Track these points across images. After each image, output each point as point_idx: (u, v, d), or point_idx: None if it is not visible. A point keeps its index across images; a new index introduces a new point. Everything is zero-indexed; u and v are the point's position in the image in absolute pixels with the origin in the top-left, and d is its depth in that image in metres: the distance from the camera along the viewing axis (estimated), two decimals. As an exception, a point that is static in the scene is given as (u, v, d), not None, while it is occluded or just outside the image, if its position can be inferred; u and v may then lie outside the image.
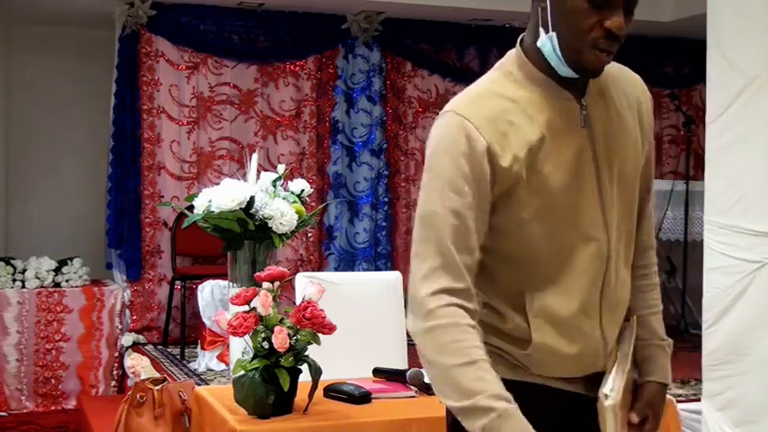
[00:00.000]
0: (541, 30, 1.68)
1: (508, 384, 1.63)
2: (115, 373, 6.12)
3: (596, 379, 1.79)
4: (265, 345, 2.58)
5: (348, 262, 6.88)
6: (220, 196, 3.39)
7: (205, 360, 5.49)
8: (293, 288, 3.51)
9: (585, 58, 1.65)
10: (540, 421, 1.62)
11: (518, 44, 1.76)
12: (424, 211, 1.67)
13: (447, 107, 1.70)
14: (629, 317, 1.87)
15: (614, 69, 1.81)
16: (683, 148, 7.10)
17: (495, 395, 1.57)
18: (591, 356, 1.77)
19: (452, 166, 1.64)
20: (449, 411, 1.71)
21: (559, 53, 1.66)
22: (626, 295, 1.83)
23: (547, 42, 1.67)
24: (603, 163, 1.73)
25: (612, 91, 1.78)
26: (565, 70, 1.68)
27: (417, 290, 1.65)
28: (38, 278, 6.03)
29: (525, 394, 1.67)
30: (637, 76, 1.87)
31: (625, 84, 1.82)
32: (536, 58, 1.71)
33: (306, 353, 2.63)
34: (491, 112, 1.67)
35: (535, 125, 1.68)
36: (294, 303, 2.98)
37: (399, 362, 3.40)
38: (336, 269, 6.75)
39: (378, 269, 6.74)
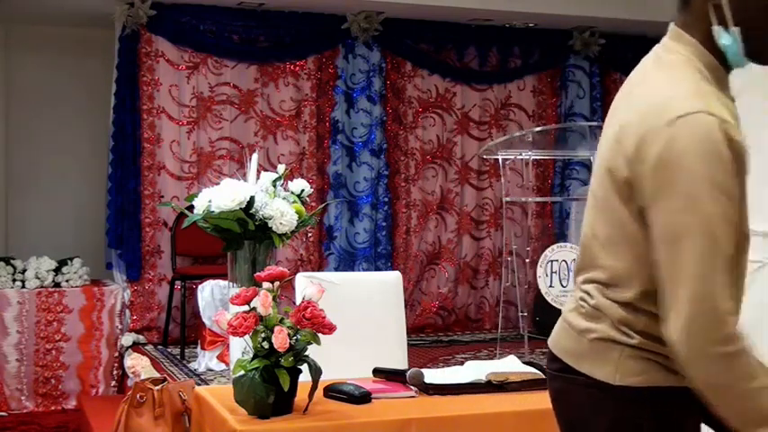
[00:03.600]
0: (718, 28, 1.66)
1: (674, 390, 1.65)
2: (115, 373, 6.12)
3: None
4: (265, 345, 2.58)
5: (348, 262, 6.89)
6: (220, 196, 3.39)
7: (205, 360, 5.49)
8: (293, 288, 3.51)
9: None
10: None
11: (689, 39, 1.73)
12: (695, 220, 1.57)
13: (690, 108, 1.59)
14: None
15: None
16: (683, 148, 7.10)
17: None
18: None
19: (723, 173, 1.58)
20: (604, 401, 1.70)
21: (741, 49, 1.65)
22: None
23: (729, 38, 1.65)
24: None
25: None
26: (742, 63, 1.68)
27: (710, 308, 1.58)
28: (38, 278, 6.03)
29: (689, 399, 1.67)
30: None
31: None
32: (716, 55, 1.70)
33: (306, 353, 2.63)
34: (726, 112, 1.63)
35: (737, 123, 1.67)
36: (294, 303, 2.98)
37: (399, 362, 3.40)
38: (336, 269, 6.75)
39: (378, 269, 6.74)
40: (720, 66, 1.70)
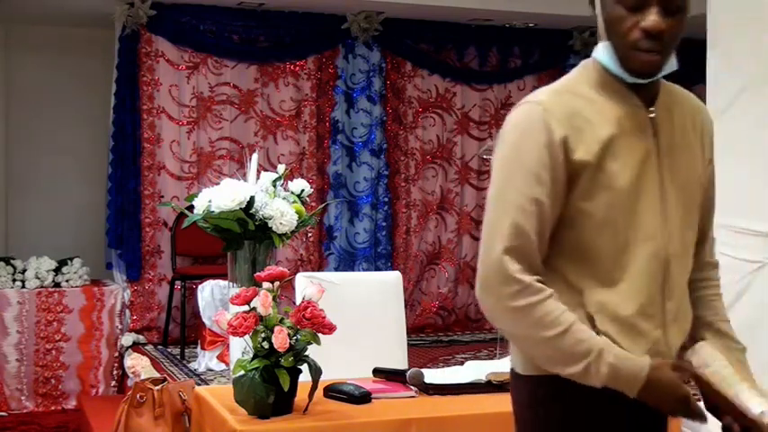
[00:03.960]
0: (600, 41, 1.80)
1: (566, 382, 1.71)
2: (115, 373, 6.12)
3: None
4: (265, 345, 2.58)
5: (348, 262, 6.89)
6: (220, 196, 3.39)
7: (205, 360, 5.49)
8: (293, 288, 3.51)
9: (631, 61, 1.74)
10: (600, 421, 1.74)
11: (595, 50, 1.83)
12: (502, 194, 1.75)
13: (528, 98, 1.79)
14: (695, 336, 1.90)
15: (682, 94, 1.90)
16: (683, 148, 7.10)
17: (605, 349, 1.68)
18: (647, 357, 1.74)
19: (532, 154, 1.73)
20: (520, 391, 1.82)
21: (615, 60, 1.76)
22: (689, 307, 1.87)
23: (602, 51, 1.78)
24: (666, 173, 1.80)
25: (679, 110, 1.86)
26: (626, 76, 1.77)
27: (498, 270, 1.72)
28: (38, 278, 6.03)
29: (589, 394, 1.72)
30: (701, 103, 1.94)
31: (691, 108, 1.89)
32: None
33: (306, 353, 2.63)
34: (569, 107, 1.75)
35: (607, 124, 1.76)
36: (294, 303, 2.98)
37: (399, 362, 3.40)
38: (336, 269, 6.75)
39: (378, 269, 6.74)
40: (613, 76, 1.79)
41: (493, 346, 6.28)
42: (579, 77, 1.82)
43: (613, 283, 1.75)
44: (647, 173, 1.77)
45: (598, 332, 1.73)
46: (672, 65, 1.79)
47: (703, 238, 1.93)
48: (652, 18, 1.70)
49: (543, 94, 1.79)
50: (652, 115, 1.80)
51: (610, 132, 1.75)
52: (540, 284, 1.71)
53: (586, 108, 1.76)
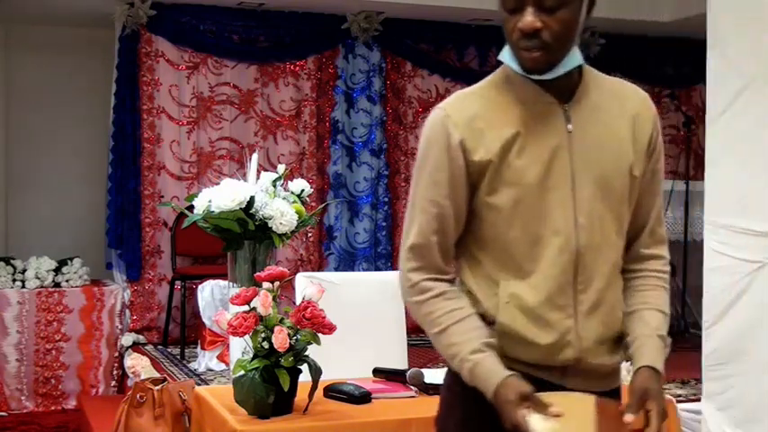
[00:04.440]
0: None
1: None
2: (115, 373, 6.12)
3: (569, 369, 1.84)
4: (265, 345, 2.58)
5: (348, 262, 6.88)
6: (220, 196, 3.39)
7: (205, 360, 5.49)
8: (293, 288, 3.51)
9: (520, 60, 1.80)
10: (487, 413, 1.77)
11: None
12: (412, 197, 1.89)
13: (439, 104, 1.90)
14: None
15: (617, 84, 1.93)
16: (682, 148, 7.11)
17: (464, 357, 1.78)
18: (559, 347, 1.82)
19: (433, 158, 1.84)
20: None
21: (514, 59, 1.82)
22: (613, 298, 1.87)
23: (505, 53, 1.84)
24: (581, 166, 1.83)
25: (607, 103, 1.88)
26: (525, 74, 1.82)
27: (402, 267, 1.88)
28: (38, 278, 6.03)
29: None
30: (641, 93, 1.95)
31: (625, 99, 1.91)
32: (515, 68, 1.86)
33: (306, 353, 2.63)
34: (470, 111, 1.85)
35: (511, 122, 1.82)
36: (294, 303, 2.98)
37: (399, 362, 3.40)
38: (336, 269, 6.75)
39: (378, 269, 6.73)
40: (524, 76, 1.83)
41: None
42: (493, 79, 1.90)
43: (525, 275, 1.82)
44: (556, 167, 1.81)
45: (496, 322, 1.81)
46: (573, 59, 1.82)
47: (639, 229, 1.94)
48: (525, 18, 1.75)
49: (451, 98, 1.90)
50: (565, 111, 1.83)
51: (514, 131, 1.81)
52: (428, 283, 1.84)
53: (490, 110, 1.84)
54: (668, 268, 2.00)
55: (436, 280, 1.85)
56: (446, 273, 1.86)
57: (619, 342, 1.90)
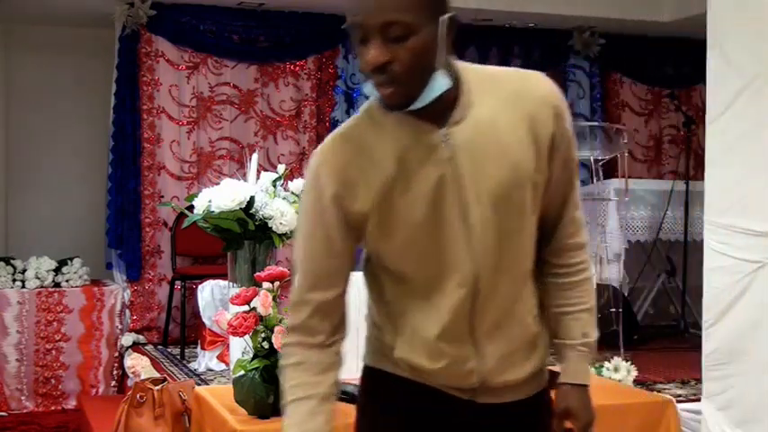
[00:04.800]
0: None
1: (381, 374, 1.85)
2: (115, 373, 6.12)
3: (478, 389, 1.80)
4: (265, 345, 2.59)
5: (348, 262, 6.87)
6: (220, 196, 3.40)
7: (205, 360, 5.48)
8: (293, 288, 3.50)
9: (379, 94, 1.65)
10: (412, 411, 1.81)
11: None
12: (294, 248, 1.81)
13: (318, 147, 1.77)
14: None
15: (512, 83, 1.75)
16: (682, 148, 7.10)
17: None
18: (460, 376, 1.78)
19: (309, 210, 1.75)
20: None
21: (376, 94, 1.68)
22: (521, 310, 1.80)
23: (367, 85, 1.68)
24: (470, 191, 1.69)
25: (496, 111, 1.71)
26: (393, 110, 1.69)
27: (287, 319, 1.85)
28: (38, 278, 6.03)
29: (397, 387, 1.82)
30: (542, 87, 1.76)
31: (520, 100, 1.73)
32: None
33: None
34: (347, 157, 1.71)
35: (388, 163, 1.69)
36: (294, 303, 2.98)
37: (399, 362, 3.39)
38: (336, 269, 6.73)
39: (378, 269, 6.72)
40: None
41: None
42: (362, 118, 1.75)
43: (424, 309, 1.75)
44: (443, 198, 1.68)
45: (400, 357, 1.79)
46: (437, 85, 1.65)
47: (557, 221, 1.83)
48: (369, 52, 1.60)
49: (327, 142, 1.75)
50: (445, 136, 1.68)
51: (392, 172, 1.68)
52: (291, 348, 1.78)
53: (364, 153, 1.70)
54: (587, 255, 1.88)
55: (300, 345, 1.78)
56: (317, 334, 1.78)
57: (532, 348, 1.82)
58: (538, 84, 1.76)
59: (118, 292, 6.21)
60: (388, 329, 1.82)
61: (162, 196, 6.42)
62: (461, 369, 1.77)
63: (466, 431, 1.82)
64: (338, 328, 1.82)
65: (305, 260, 1.76)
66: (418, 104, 1.64)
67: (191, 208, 3.61)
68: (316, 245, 1.74)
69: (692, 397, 4.47)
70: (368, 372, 1.90)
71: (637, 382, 4.63)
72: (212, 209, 3.40)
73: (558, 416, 1.85)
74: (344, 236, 1.73)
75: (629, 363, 4.63)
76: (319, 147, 1.76)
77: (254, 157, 3.64)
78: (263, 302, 2.60)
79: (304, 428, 1.74)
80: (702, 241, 3.96)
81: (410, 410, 1.83)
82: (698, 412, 4.01)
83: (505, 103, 1.72)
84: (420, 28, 1.60)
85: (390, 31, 1.59)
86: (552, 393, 1.91)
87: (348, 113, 6.90)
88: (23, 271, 6.05)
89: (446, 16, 1.65)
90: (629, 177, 5.74)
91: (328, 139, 1.76)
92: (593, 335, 1.88)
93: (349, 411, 2.67)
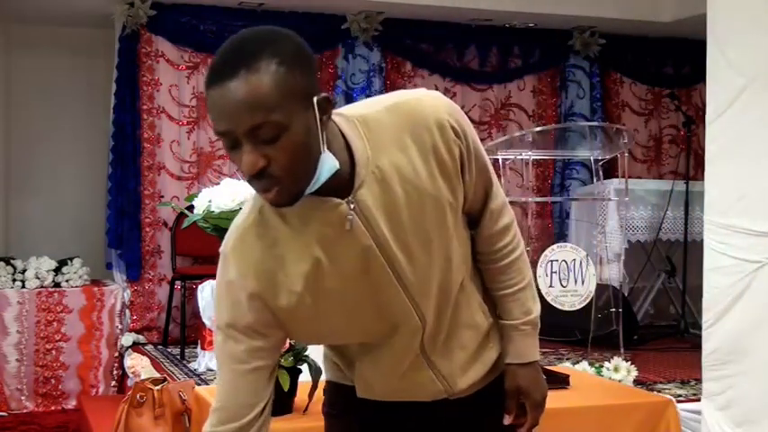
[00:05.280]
0: None
1: (345, 389, 1.84)
2: (115, 373, 6.13)
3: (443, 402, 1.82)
4: (265, 345, 2.58)
5: (348, 262, 6.88)
6: (220, 196, 3.40)
7: (205, 360, 5.48)
8: (293, 288, 3.51)
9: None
10: (383, 410, 1.81)
11: None
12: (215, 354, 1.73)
13: (222, 247, 1.67)
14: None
15: (406, 116, 1.63)
16: (683, 148, 7.11)
17: None
18: (427, 394, 1.80)
19: (226, 314, 1.66)
20: None
21: None
22: (466, 315, 1.80)
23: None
24: (395, 250, 1.63)
25: (399, 156, 1.62)
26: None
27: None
28: (38, 278, 6.03)
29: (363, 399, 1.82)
30: (435, 110, 1.64)
31: (417, 133, 1.63)
32: None
33: (306, 353, 2.63)
34: (257, 252, 1.62)
35: (307, 251, 1.60)
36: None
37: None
38: (336, 269, 6.74)
39: (378, 269, 6.72)
40: None
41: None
42: (261, 211, 1.63)
43: (372, 359, 1.76)
44: (371, 265, 1.62)
45: (363, 396, 1.81)
46: (325, 169, 1.53)
47: (479, 214, 1.78)
48: (244, 159, 1.47)
49: (232, 241, 1.64)
50: (352, 205, 1.59)
51: (313, 259, 1.60)
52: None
53: (277, 242, 1.61)
54: (515, 231, 1.83)
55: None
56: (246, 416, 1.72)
57: (488, 339, 1.84)
58: (428, 108, 1.64)
59: (118, 292, 6.21)
60: (344, 367, 1.84)
61: (162, 196, 6.42)
62: (424, 391, 1.79)
63: (438, 423, 1.84)
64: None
65: (228, 364, 1.68)
66: (310, 191, 1.54)
67: (191, 208, 3.61)
68: (238, 348, 1.65)
69: (692, 397, 4.47)
70: (331, 387, 1.90)
71: (637, 382, 4.63)
72: (212, 209, 3.40)
73: (510, 395, 1.85)
74: (275, 329, 1.67)
75: (629, 363, 4.63)
76: (226, 246, 1.65)
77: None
78: (263, 302, 2.60)
79: None
80: (702, 241, 3.97)
81: (381, 409, 1.83)
82: (698, 412, 4.02)
83: (400, 145, 1.62)
84: (291, 122, 1.46)
85: (260, 133, 1.45)
86: None
87: (348, 113, 6.90)
88: (23, 271, 6.05)
89: (318, 97, 1.50)
90: (629, 177, 5.74)
91: (234, 235, 1.64)
92: (535, 310, 1.86)
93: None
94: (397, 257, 1.64)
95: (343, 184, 1.58)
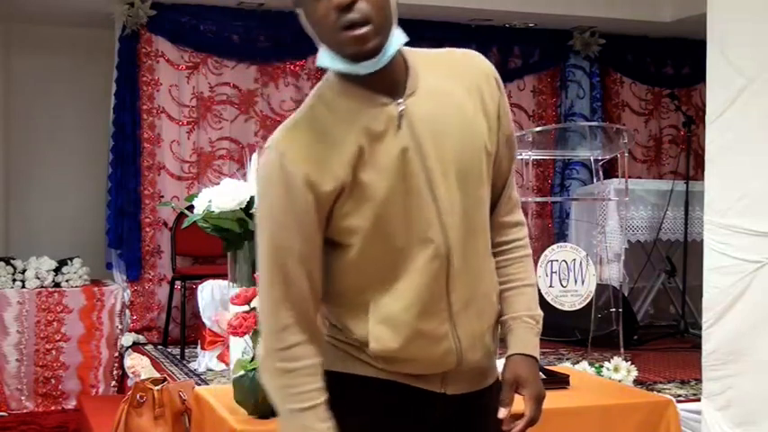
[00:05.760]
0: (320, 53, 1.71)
1: (348, 378, 1.77)
2: (115, 373, 6.13)
3: (451, 376, 1.79)
4: (265, 345, 2.58)
5: (348, 262, 6.87)
6: (220, 196, 3.40)
7: (205, 360, 5.48)
8: (293, 288, 3.50)
9: (345, 44, 1.63)
10: (382, 415, 1.77)
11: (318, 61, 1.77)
12: (260, 251, 1.72)
13: (268, 142, 1.73)
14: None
15: (457, 58, 1.81)
16: (683, 148, 7.10)
17: None
18: (438, 355, 1.76)
19: (276, 203, 1.69)
20: None
21: (337, 57, 1.67)
22: (486, 286, 1.81)
23: (323, 57, 1.70)
24: (434, 162, 1.70)
25: (445, 84, 1.75)
26: (358, 68, 1.67)
27: (261, 327, 1.74)
28: (38, 278, 6.03)
29: (366, 388, 1.77)
30: (483, 61, 1.82)
31: (463, 73, 1.79)
32: (341, 75, 1.73)
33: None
34: (305, 141, 1.69)
35: (351, 139, 1.68)
36: (294, 303, 2.98)
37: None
38: (336, 269, 6.74)
39: (378, 269, 6.72)
40: (350, 82, 1.71)
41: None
42: (315, 101, 1.76)
43: (394, 289, 1.72)
44: (408, 170, 1.69)
45: (377, 349, 1.73)
46: (398, 38, 1.68)
47: (497, 198, 1.85)
48: None
49: (281, 133, 1.72)
50: (401, 107, 1.69)
51: (356, 147, 1.67)
52: (301, 350, 1.69)
53: (324, 133, 1.70)
54: (526, 231, 1.92)
55: (308, 343, 1.70)
56: (302, 330, 1.70)
57: (496, 328, 1.84)
58: (477, 58, 1.82)
59: (118, 292, 6.22)
60: (355, 324, 1.75)
61: (162, 196, 6.42)
62: (438, 349, 1.74)
63: (436, 425, 1.81)
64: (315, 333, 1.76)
65: (286, 253, 1.68)
66: (383, 58, 1.65)
67: (191, 208, 3.61)
68: (294, 234, 1.67)
69: (692, 397, 4.47)
70: (332, 377, 1.77)
71: (637, 382, 4.63)
72: (212, 209, 3.40)
73: (508, 384, 1.81)
74: (317, 219, 1.68)
75: (629, 363, 4.63)
76: (272, 140, 1.72)
77: (254, 157, 3.64)
78: (263, 302, 2.60)
79: None
80: (702, 241, 3.96)
81: (380, 408, 1.79)
82: (698, 412, 4.01)
83: (451, 75, 1.76)
84: None
85: None
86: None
87: (348, 113, 6.91)
88: (23, 271, 6.05)
89: None
90: (629, 177, 5.74)
91: (280, 130, 1.73)
92: (539, 310, 1.88)
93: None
94: (433, 170, 1.70)
95: (395, 87, 1.70)
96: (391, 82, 1.70)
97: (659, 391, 4.53)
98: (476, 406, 1.83)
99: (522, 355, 1.82)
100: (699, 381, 4.17)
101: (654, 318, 6.94)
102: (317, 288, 1.72)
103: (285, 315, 1.69)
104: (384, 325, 1.73)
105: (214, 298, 5.55)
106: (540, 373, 1.91)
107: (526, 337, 1.84)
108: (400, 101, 1.70)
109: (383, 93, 1.69)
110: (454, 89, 1.75)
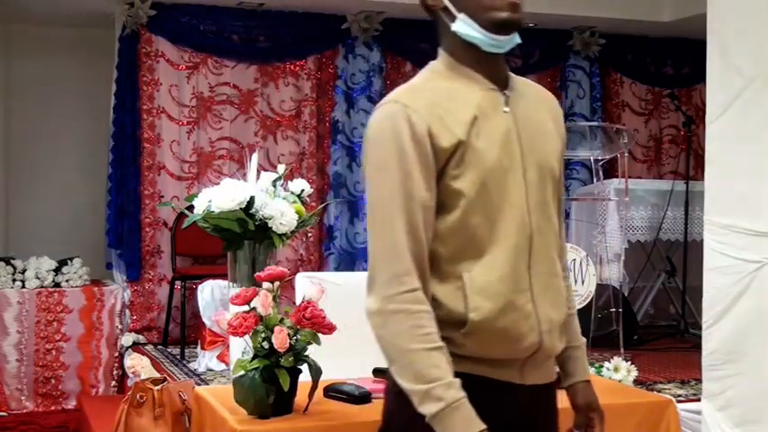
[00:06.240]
0: (450, 23, 1.85)
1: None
2: (115, 373, 6.13)
3: (528, 360, 1.84)
4: (265, 345, 2.58)
5: (348, 262, 6.88)
6: (220, 196, 3.40)
7: (205, 360, 5.48)
8: (293, 288, 3.51)
9: (500, 8, 1.79)
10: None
11: (439, 53, 1.91)
12: (378, 198, 1.76)
13: (385, 99, 1.82)
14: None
15: (531, 83, 1.99)
16: (683, 148, 7.11)
17: (448, 384, 1.69)
18: (525, 332, 1.81)
19: (400, 152, 1.74)
20: (391, 388, 1.86)
21: (476, 26, 1.81)
22: (558, 283, 1.91)
23: (461, 25, 1.82)
24: (527, 151, 1.85)
25: (532, 96, 1.94)
26: (492, 41, 1.82)
27: (378, 274, 1.75)
28: (38, 278, 6.03)
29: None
30: (549, 92, 2.04)
31: (549, 99, 2.01)
32: (458, 56, 1.86)
33: (306, 353, 2.63)
34: (427, 99, 1.80)
35: (467, 107, 1.81)
36: (294, 303, 2.98)
37: (399, 362, 3.39)
38: (336, 269, 6.74)
39: (378, 269, 6.71)
40: (471, 59, 1.84)
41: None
42: (430, 74, 1.88)
43: (487, 261, 1.79)
44: (510, 149, 1.83)
45: (468, 319, 1.75)
46: (516, 36, 1.85)
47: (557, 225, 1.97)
48: None
49: (399, 92, 1.82)
50: (507, 95, 1.86)
51: (471, 114, 1.80)
52: (422, 294, 1.73)
53: (444, 98, 1.81)
54: (568, 266, 2.11)
55: (425, 293, 1.74)
56: (424, 284, 1.75)
57: (562, 329, 1.92)
58: (546, 90, 2.04)
59: (118, 292, 6.22)
60: (447, 297, 1.77)
61: (162, 196, 6.42)
62: (526, 326, 1.80)
63: (516, 417, 1.85)
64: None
65: (411, 201, 1.73)
66: (515, 40, 1.84)
67: (191, 208, 3.61)
68: (419, 183, 1.73)
69: (692, 397, 4.47)
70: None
71: (637, 382, 4.63)
72: (212, 209, 3.40)
73: (582, 411, 1.99)
74: (435, 173, 1.76)
75: (629, 363, 4.63)
76: (391, 97, 1.80)
77: (254, 157, 3.64)
78: (262, 302, 2.60)
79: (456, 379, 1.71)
80: (702, 241, 3.96)
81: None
82: (698, 412, 4.01)
83: (536, 95, 1.96)
84: None
85: None
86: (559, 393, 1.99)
87: (348, 113, 6.91)
88: (23, 271, 6.05)
89: None
90: (629, 177, 5.74)
91: (400, 89, 1.83)
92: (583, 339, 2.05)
93: (349, 411, 2.68)
94: (526, 157, 1.85)
95: (499, 80, 1.87)
96: (498, 72, 1.86)
97: (659, 391, 4.53)
98: (544, 399, 1.91)
99: (588, 382, 2.02)
100: (699, 381, 4.17)
101: (654, 318, 6.94)
102: (429, 244, 1.77)
103: (408, 260, 1.73)
104: (481, 296, 1.77)
105: (214, 298, 5.55)
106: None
107: (585, 363, 2.03)
108: (505, 92, 1.87)
109: (490, 80, 1.85)
110: (539, 105, 1.95)
